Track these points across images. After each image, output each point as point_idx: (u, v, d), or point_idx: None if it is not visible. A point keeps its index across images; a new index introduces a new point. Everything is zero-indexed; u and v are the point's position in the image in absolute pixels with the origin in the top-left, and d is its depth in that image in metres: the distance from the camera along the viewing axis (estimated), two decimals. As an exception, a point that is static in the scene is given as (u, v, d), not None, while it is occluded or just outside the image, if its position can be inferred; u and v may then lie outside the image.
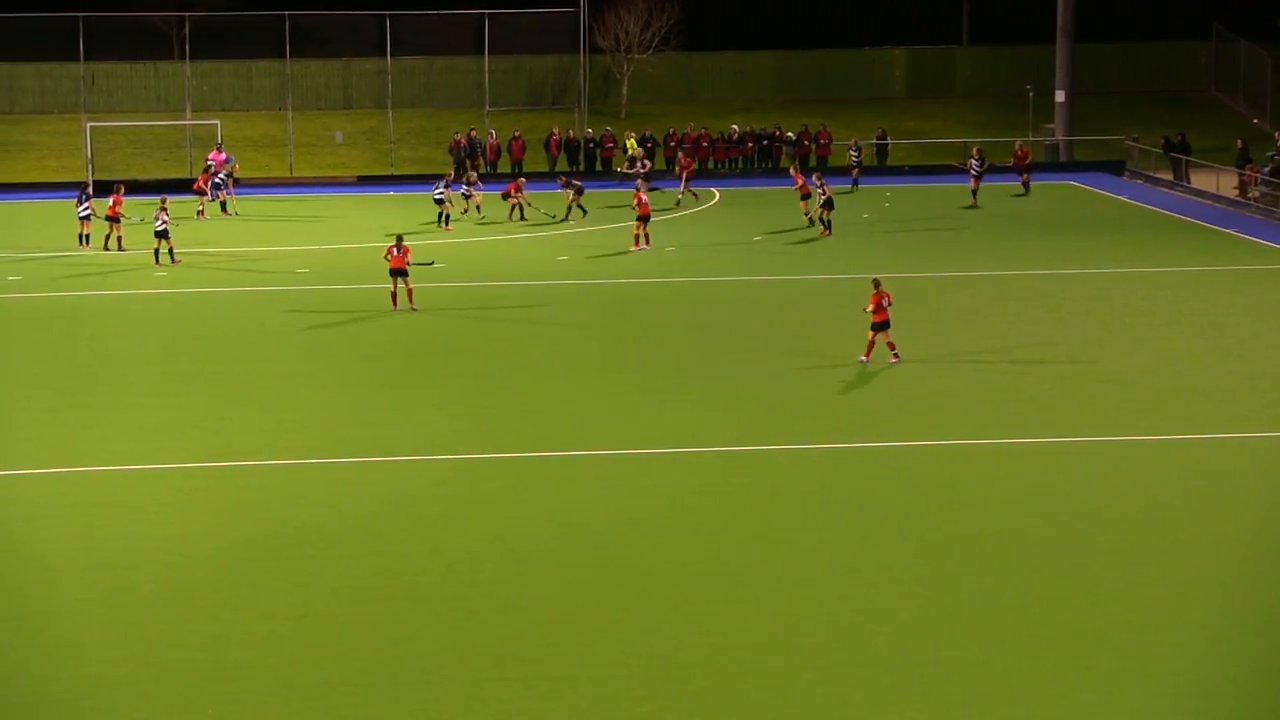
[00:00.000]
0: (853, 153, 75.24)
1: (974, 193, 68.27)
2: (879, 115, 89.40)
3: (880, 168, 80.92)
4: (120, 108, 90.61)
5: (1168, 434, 34.53)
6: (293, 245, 59.39)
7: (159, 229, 54.01)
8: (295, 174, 79.71)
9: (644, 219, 56.87)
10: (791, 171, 65.00)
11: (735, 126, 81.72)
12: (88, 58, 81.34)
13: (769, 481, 31.22)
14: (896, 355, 40.01)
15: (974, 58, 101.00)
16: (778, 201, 67.77)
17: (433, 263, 48.70)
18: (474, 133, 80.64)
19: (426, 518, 29.10)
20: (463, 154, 78.68)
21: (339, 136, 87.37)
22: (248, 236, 61.46)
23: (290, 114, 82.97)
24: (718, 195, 71.62)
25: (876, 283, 39.95)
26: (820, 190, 59.51)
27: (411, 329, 44.85)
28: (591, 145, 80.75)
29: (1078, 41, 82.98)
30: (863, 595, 25.39)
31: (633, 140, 77.20)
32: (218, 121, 78.01)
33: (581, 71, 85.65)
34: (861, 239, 59.59)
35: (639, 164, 69.52)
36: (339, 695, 21.90)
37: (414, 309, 46.15)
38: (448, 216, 61.70)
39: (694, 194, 69.24)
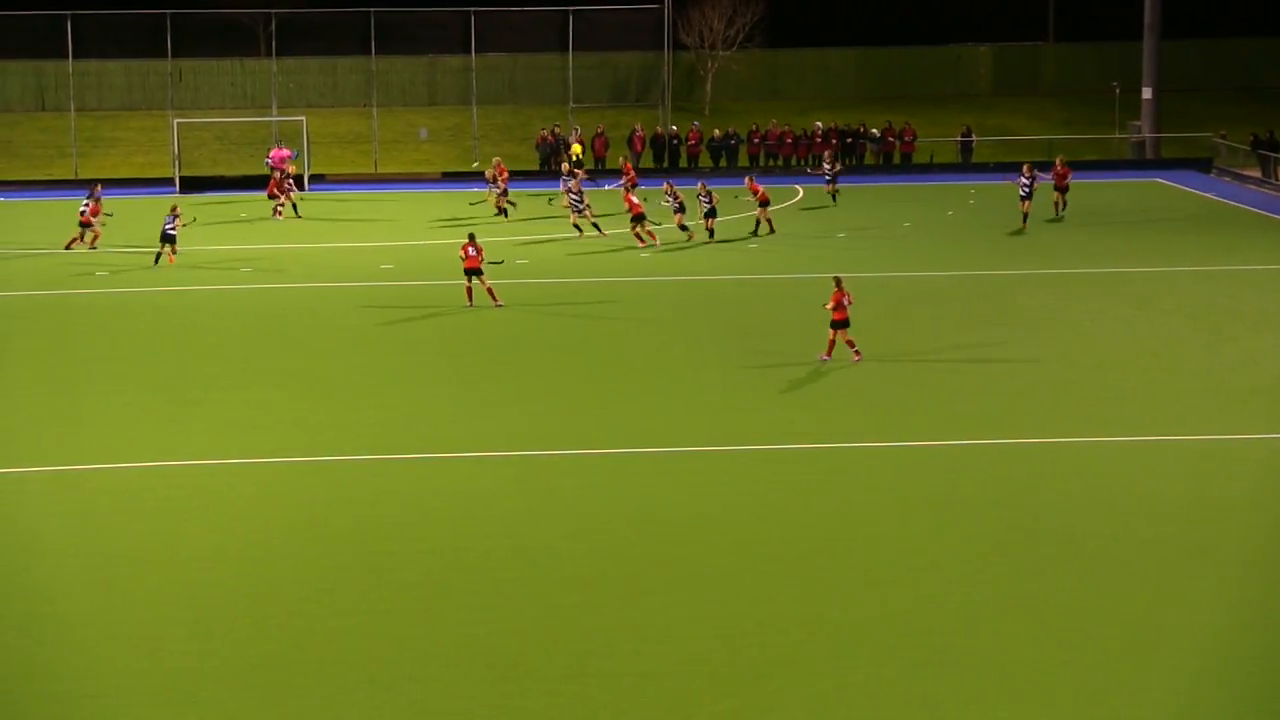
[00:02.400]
0: (826, 165, 68.23)
1: (1025, 216, 60.58)
2: (964, 112, 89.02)
3: (964, 165, 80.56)
4: (207, 104, 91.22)
5: (1254, 433, 34.23)
6: (377, 241, 59.60)
7: (169, 232, 54.03)
8: (380, 170, 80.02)
9: (638, 218, 56.66)
10: (748, 181, 61.87)
11: (819, 124, 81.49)
12: (175, 54, 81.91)
13: (849, 478, 31.13)
14: (858, 353, 39.66)
15: (1060, 54, 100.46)
16: (860, 199, 67.55)
17: (502, 261, 48.73)
18: (557, 129, 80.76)
19: (507, 513, 29.15)
20: (549, 150, 78.88)
21: (423, 133, 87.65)
22: (332, 233, 61.71)
23: (375, 110, 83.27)
24: (801, 192, 71.41)
25: (838, 281, 39.45)
26: (704, 199, 57.06)
27: (491, 325, 44.93)
28: (675, 142, 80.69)
29: (1165, 38, 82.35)
30: (943, 592, 25.27)
31: (578, 147, 74.41)
32: (303, 118, 78.37)
33: (665, 68, 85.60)
34: (946, 236, 59.30)
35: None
36: (421, 690, 21.97)
37: (497, 304, 46.21)
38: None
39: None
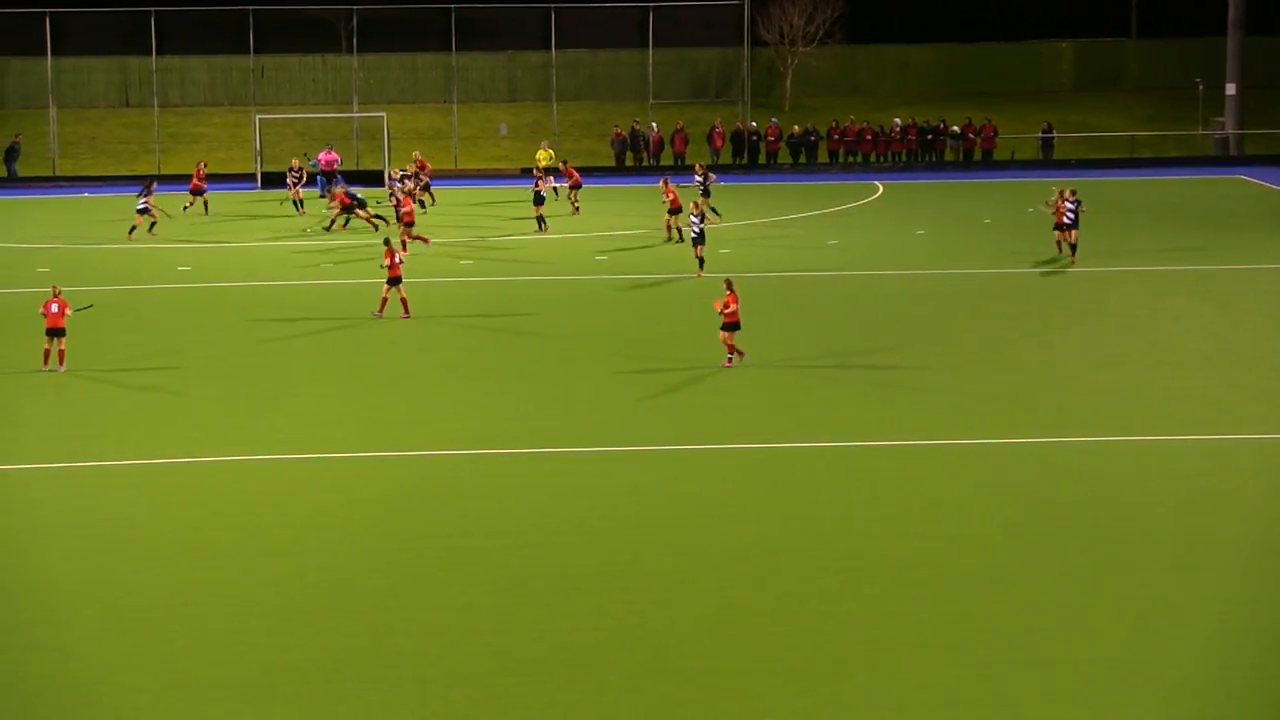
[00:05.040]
0: (698, 176, 61.92)
1: (1073, 247, 52.00)
2: (1045, 108, 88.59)
3: (1046, 161, 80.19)
4: (288, 100, 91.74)
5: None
6: (457, 237, 59.75)
7: (141, 207, 58.57)
8: (460, 166, 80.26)
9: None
10: (663, 185, 60.46)
11: (897, 120, 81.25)
12: (257, 51, 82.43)
13: (933, 475, 31.01)
14: (740, 355, 39.10)
15: (1143, 50, 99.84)
16: (942, 196, 67.34)
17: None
18: (637, 125, 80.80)
19: (586, 509, 29.18)
20: (624, 146, 78.96)
21: (503, 129, 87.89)
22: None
23: (455, 106, 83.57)
24: (880, 189, 71.24)
25: (729, 283, 38.99)
26: (696, 220, 53.83)
27: (564, 322, 45.00)
28: (754, 138, 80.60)
29: (1249, 33, 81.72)
30: (1023, 591, 25.15)
31: (547, 152, 72.36)
32: (383, 114, 78.70)
33: (745, 64, 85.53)
34: (1025, 233, 59.01)
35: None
36: (501, 685, 22.03)
37: (394, 316, 44.92)
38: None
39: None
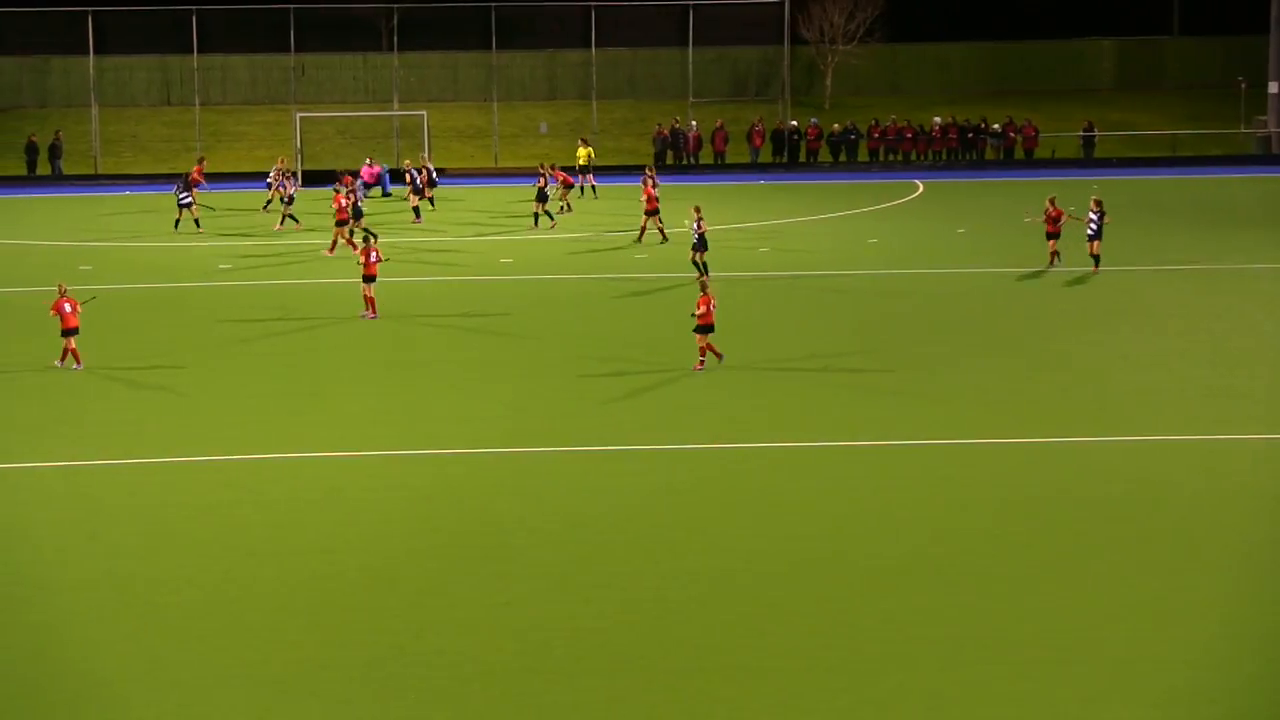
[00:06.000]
0: (547, 178, 61.75)
1: (1095, 258, 50.38)
2: (1086, 107, 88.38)
3: (1086, 160, 79.98)
4: (329, 98, 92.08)
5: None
6: (498, 236, 59.85)
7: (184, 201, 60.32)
8: (500, 164, 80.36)
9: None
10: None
11: (938, 119, 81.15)
12: (298, 49, 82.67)
13: (970, 475, 30.92)
14: (703, 362, 38.60)
15: (1184, 48, 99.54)
16: (982, 195, 67.19)
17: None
18: (677, 124, 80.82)
19: (625, 507, 29.16)
20: (664, 145, 78.97)
21: (543, 127, 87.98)
22: (453, 227, 62.02)
23: (495, 105, 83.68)
24: (921, 188, 71.11)
25: (704, 285, 38.81)
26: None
27: (603, 320, 45.01)
28: (795, 137, 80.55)
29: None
30: (1061, 590, 25.04)
31: (586, 149, 71.97)
32: (424, 112, 78.85)
33: (785, 63, 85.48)
34: (1067, 231, 58.80)
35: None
36: (539, 682, 22.02)
37: (370, 315, 45.17)
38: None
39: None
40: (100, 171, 79.88)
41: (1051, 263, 50.98)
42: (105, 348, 41.11)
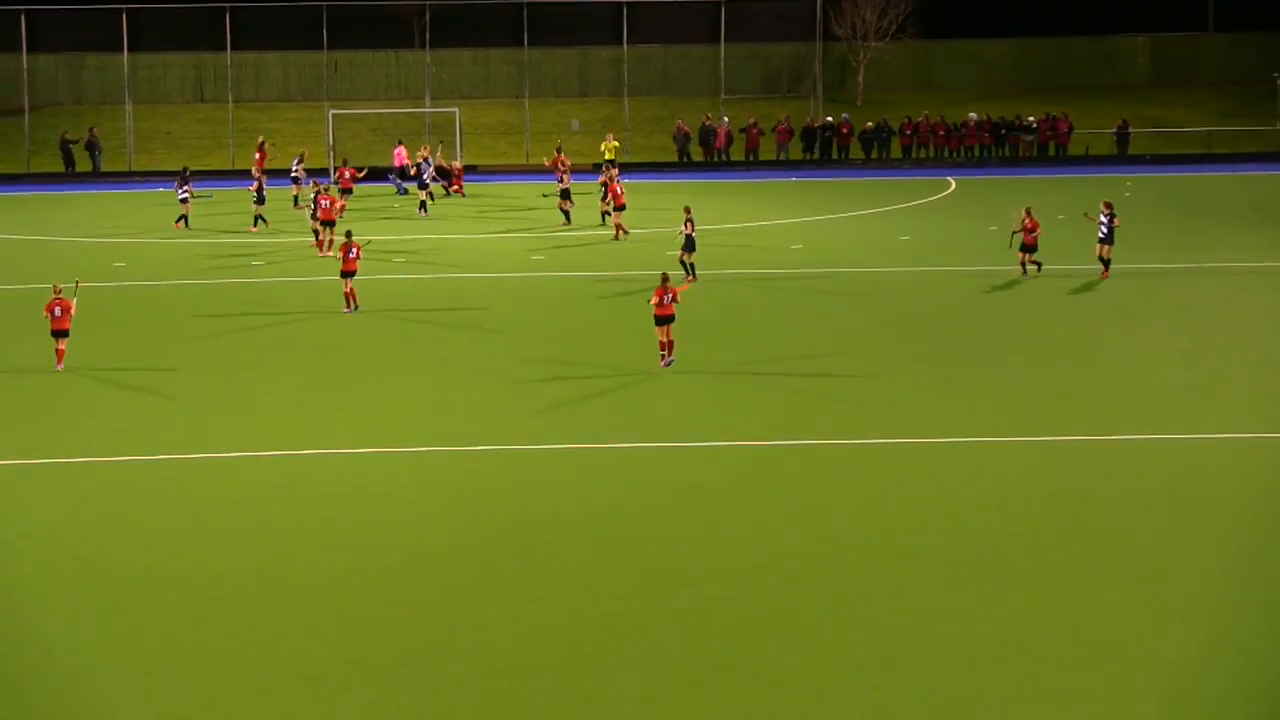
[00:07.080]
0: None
1: (1106, 262, 49.38)
2: (1121, 103, 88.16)
3: (1121, 157, 79.77)
4: (361, 95, 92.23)
5: None
6: (529, 232, 59.87)
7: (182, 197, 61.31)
8: (531, 161, 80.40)
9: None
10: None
11: (972, 115, 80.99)
12: (331, 46, 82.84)
13: (1001, 471, 30.86)
14: (666, 358, 38.65)
15: (1219, 44, 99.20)
16: (1015, 191, 67.01)
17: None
18: (707, 120, 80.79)
19: (659, 504, 29.16)
20: (686, 141, 78.97)
21: (575, 124, 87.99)
22: (484, 224, 62.08)
23: (527, 102, 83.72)
24: (953, 184, 70.97)
25: (665, 277, 38.66)
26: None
27: (636, 316, 45.02)
28: (827, 133, 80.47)
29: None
30: (1092, 589, 24.98)
31: (612, 144, 72.41)
32: (456, 109, 78.93)
33: (817, 59, 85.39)
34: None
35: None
36: (570, 679, 22.04)
37: (353, 309, 45.62)
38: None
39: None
40: (134, 168, 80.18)
41: (1024, 273, 49.58)
42: (132, 344, 41.21)
